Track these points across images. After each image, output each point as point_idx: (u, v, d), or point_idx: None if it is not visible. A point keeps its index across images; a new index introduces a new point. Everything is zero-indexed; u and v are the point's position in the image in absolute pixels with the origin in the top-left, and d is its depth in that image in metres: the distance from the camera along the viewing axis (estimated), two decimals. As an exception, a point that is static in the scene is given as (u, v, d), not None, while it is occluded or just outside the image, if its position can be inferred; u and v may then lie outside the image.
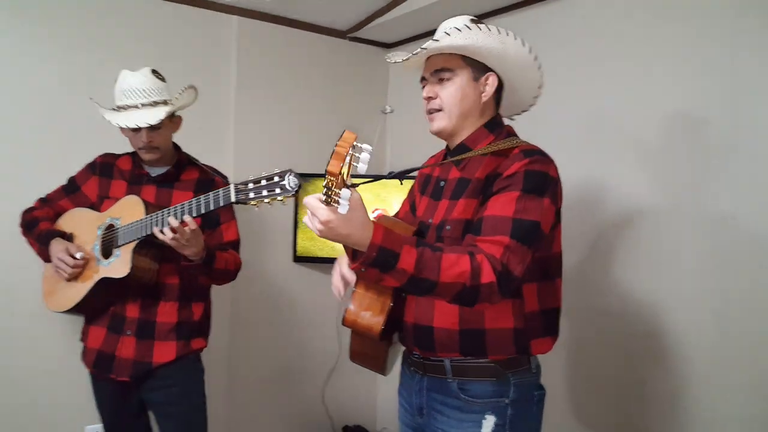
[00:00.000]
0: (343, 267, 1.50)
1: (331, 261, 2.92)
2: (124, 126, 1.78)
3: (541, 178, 1.31)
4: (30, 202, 2.01)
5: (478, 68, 1.39)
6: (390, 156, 3.21)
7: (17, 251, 2.06)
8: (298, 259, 2.90)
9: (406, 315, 1.44)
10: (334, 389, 3.06)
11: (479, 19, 1.44)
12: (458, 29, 1.34)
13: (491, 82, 1.40)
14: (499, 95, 1.45)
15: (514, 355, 1.38)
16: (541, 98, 1.53)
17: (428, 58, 1.43)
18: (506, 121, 1.50)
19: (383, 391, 3.20)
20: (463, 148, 1.43)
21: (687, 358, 1.89)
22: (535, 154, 1.33)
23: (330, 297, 2.95)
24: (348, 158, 1.03)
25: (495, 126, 1.44)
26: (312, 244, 2.88)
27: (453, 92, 1.40)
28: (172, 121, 1.90)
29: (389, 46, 3.19)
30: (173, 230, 1.63)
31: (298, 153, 2.93)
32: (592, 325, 2.17)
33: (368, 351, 1.48)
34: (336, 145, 1.03)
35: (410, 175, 1.58)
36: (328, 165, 1.02)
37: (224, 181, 1.97)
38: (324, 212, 1.08)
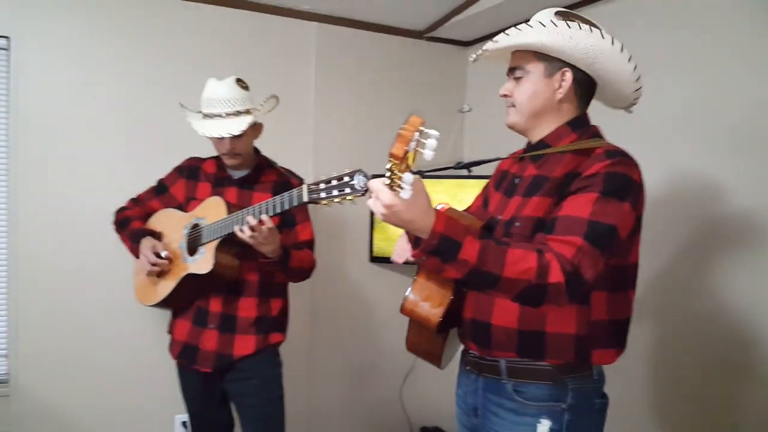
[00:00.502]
0: (404, 239, 1.47)
1: (407, 262, 2.94)
2: (209, 136, 1.88)
3: (623, 181, 1.24)
4: (122, 202, 2.16)
5: (553, 64, 1.34)
6: (468, 155, 3.17)
7: (112, 248, 2.22)
8: (375, 259, 2.93)
9: (465, 310, 1.42)
10: (412, 389, 3.06)
11: (571, 9, 1.38)
12: (518, 29, 1.31)
13: (567, 78, 1.34)
14: (585, 91, 1.38)
15: (574, 361, 1.32)
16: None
17: (512, 52, 1.40)
18: (593, 121, 1.43)
19: (462, 394, 3.17)
20: (543, 145, 1.39)
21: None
22: (619, 155, 1.27)
23: (407, 297, 2.99)
24: (413, 143, 1.01)
25: (579, 125, 1.38)
26: (388, 244, 2.90)
27: (523, 90, 1.37)
28: (254, 128, 1.98)
29: (467, 44, 3.16)
30: (252, 228, 1.70)
31: (376, 154, 2.93)
32: (681, 330, 2.04)
33: (424, 342, 1.47)
34: (400, 128, 1.01)
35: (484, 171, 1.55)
36: (391, 147, 1.00)
37: (299, 183, 2.03)
38: (387, 195, 1.07)
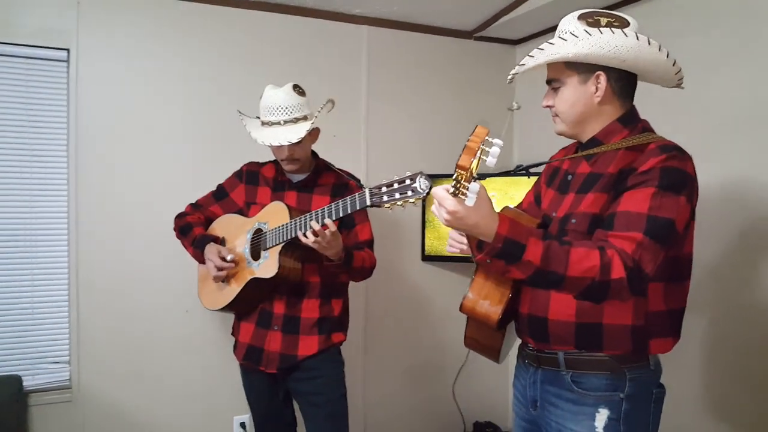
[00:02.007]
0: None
1: (458, 260, 2.98)
2: (268, 144, 1.93)
3: (678, 175, 1.26)
4: (182, 207, 2.20)
5: (586, 70, 1.35)
6: (518, 152, 3.17)
7: (172, 253, 2.30)
8: (427, 257, 2.97)
9: (521, 306, 1.45)
10: (465, 385, 3.10)
11: (612, 8, 1.38)
12: (548, 44, 1.32)
13: (602, 81, 1.34)
14: (625, 87, 1.38)
15: (631, 352, 1.34)
16: (682, 92, 1.45)
17: (548, 64, 1.41)
18: (642, 115, 1.44)
19: (514, 390, 3.19)
20: (595, 142, 1.41)
21: None
22: (673, 150, 1.28)
23: (459, 294, 2.99)
24: (479, 153, 1.06)
25: (629, 120, 1.39)
26: (440, 243, 2.93)
27: (563, 101, 1.40)
28: (311, 134, 2.01)
29: (516, 42, 3.16)
30: (315, 234, 1.74)
31: (427, 154, 3.00)
32: (733, 321, 2.04)
33: (484, 338, 1.50)
34: (468, 140, 1.06)
35: (537, 169, 1.57)
36: (459, 159, 1.05)
37: (358, 184, 2.07)
38: (451, 203, 1.12)
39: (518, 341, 1.57)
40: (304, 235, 1.79)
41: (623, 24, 1.32)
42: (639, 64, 1.34)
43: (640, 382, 1.35)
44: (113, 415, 2.46)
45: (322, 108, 2.01)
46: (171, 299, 2.52)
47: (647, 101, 1.46)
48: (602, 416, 1.33)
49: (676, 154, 1.27)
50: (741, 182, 2.03)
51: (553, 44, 1.32)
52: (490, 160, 1.07)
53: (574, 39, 1.30)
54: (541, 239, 1.18)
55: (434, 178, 2.79)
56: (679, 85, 1.43)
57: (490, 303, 1.41)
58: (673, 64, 1.35)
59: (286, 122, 1.95)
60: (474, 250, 1.25)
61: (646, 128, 1.40)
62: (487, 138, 1.06)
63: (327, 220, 1.75)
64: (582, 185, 1.40)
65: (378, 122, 2.91)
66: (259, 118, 2.02)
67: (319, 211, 1.79)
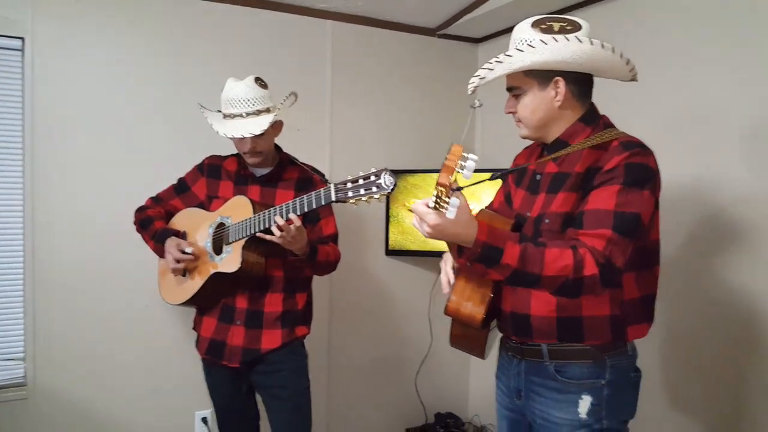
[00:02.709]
0: (448, 265, 1.56)
1: (421, 254, 3.03)
2: (231, 136, 1.92)
3: (641, 170, 1.32)
4: (141, 201, 2.17)
5: (544, 77, 1.40)
6: (480, 149, 3.23)
7: (131, 247, 2.26)
8: (390, 252, 3.00)
9: (503, 304, 1.50)
10: (427, 378, 3.15)
11: (569, 10, 1.43)
12: (504, 56, 1.36)
13: (561, 86, 1.40)
14: (583, 87, 1.44)
15: (611, 340, 1.41)
16: (639, 89, 1.52)
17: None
18: (602, 111, 1.50)
19: (474, 380, 3.27)
20: (559, 143, 1.46)
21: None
22: (635, 146, 1.34)
23: (422, 289, 3.08)
24: (456, 169, 1.13)
25: (591, 119, 1.45)
26: (403, 237, 2.97)
27: (524, 107, 1.45)
28: (274, 126, 2.01)
29: (478, 41, 3.21)
30: (280, 228, 1.75)
31: (391, 149, 3.03)
32: (691, 311, 2.14)
33: (469, 337, 1.56)
34: (445, 159, 1.13)
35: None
36: (438, 177, 1.13)
37: (322, 179, 2.08)
38: (433, 217, 1.19)
39: (499, 335, 1.62)
40: (268, 230, 1.79)
41: (576, 28, 1.37)
42: (594, 66, 1.39)
43: (619, 368, 1.42)
44: (71, 412, 2.41)
45: (284, 100, 2.00)
46: (130, 294, 2.48)
47: (602, 99, 1.51)
48: (585, 402, 1.40)
49: (638, 150, 1.34)
50: (691, 178, 2.12)
51: (511, 56, 1.36)
52: (466, 174, 1.13)
53: (531, 49, 1.34)
54: (517, 242, 1.25)
55: (399, 174, 2.85)
56: (634, 78, 1.49)
57: (473, 304, 1.47)
58: (627, 63, 1.40)
59: (248, 114, 1.94)
60: (455, 255, 1.31)
61: (608, 124, 1.46)
62: (462, 154, 1.13)
63: (292, 215, 1.76)
64: (551, 185, 1.46)
65: (342, 117, 2.92)
66: (220, 111, 2.01)
67: (284, 206, 1.79)
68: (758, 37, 1.92)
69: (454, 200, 1.14)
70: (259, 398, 2.14)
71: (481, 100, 3.16)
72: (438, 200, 1.15)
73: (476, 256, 1.24)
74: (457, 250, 1.28)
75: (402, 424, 3.13)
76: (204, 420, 2.61)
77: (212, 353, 2.02)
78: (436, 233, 1.21)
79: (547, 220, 1.41)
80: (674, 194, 2.07)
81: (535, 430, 1.52)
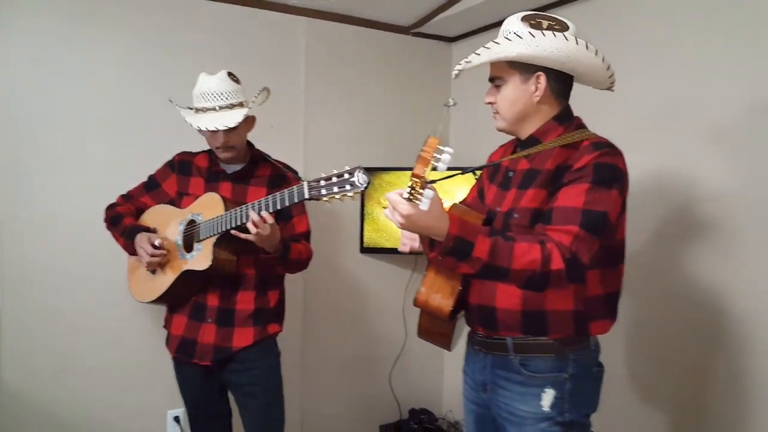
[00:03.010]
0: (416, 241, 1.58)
1: (394, 251, 3.01)
2: (204, 129, 1.91)
3: (610, 170, 1.35)
4: (111, 198, 2.14)
5: (527, 70, 1.43)
6: (454, 147, 3.22)
7: (101, 245, 2.23)
8: (365, 250, 3.01)
9: (470, 297, 1.52)
10: (401, 374, 3.16)
11: (545, 9, 1.46)
12: (492, 44, 1.39)
13: (541, 82, 1.42)
14: (562, 87, 1.47)
15: (573, 335, 1.44)
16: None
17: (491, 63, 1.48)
18: (576, 112, 1.53)
19: (448, 376, 3.29)
20: (532, 140, 1.49)
21: (750, 339, 1.91)
22: (605, 146, 1.37)
23: (396, 286, 3.09)
24: (431, 161, 1.14)
25: (564, 118, 1.48)
26: (378, 235, 2.97)
27: (504, 99, 1.47)
28: (247, 121, 2.00)
29: (452, 40, 3.23)
30: (255, 225, 1.73)
31: (365, 147, 3.03)
32: (658, 306, 2.19)
33: (436, 329, 1.59)
34: (421, 150, 1.14)
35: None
36: (414, 168, 1.13)
37: (295, 176, 2.07)
38: (406, 207, 1.19)
39: (467, 329, 1.64)
40: (240, 227, 1.78)
41: (563, 28, 1.40)
42: (577, 67, 1.42)
43: (581, 363, 1.45)
44: (39, 413, 2.37)
45: (258, 95, 1.99)
46: (99, 292, 2.44)
47: (573, 95, 1.53)
48: (548, 396, 1.43)
49: (608, 150, 1.37)
50: (659, 175, 2.17)
51: (498, 44, 1.39)
52: (441, 167, 1.15)
53: (519, 40, 1.37)
54: (488, 236, 1.26)
55: (373, 172, 2.86)
56: (610, 88, 1.53)
57: (441, 296, 1.49)
58: (607, 68, 1.44)
59: (221, 108, 1.92)
60: (426, 249, 1.32)
61: (580, 125, 1.49)
62: (438, 147, 1.14)
63: (264, 213, 1.75)
64: (522, 181, 1.48)
65: (316, 114, 2.91)
66: (191, 108, 1.98)
67: (256, 203, 1.78)
68: (725, 38, 1.97)
69: (429, 192, 1.15)
70: (231, 397, 2.12)
71: (455, 99, 3.20)
72: (412, 191, 1.16)
73: (448, 250, 1.24)
74: (429, 243, 1.29)
75: (376, 420, 3.14)
76: (176, 419, 2.59)
77: (183, 351, 2.00)
78: (408, 224, 1.22)
79: (516, 215, 1.44)
80: (642, 191, 2.12)
81: (500, 423, 1.54)
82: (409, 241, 1.59)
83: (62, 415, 2.41)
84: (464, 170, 1.62)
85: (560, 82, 1.46)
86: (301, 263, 2.01)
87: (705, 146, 2.03)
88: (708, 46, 2.02)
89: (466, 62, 1.43)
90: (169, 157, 2.15)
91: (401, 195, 1.20)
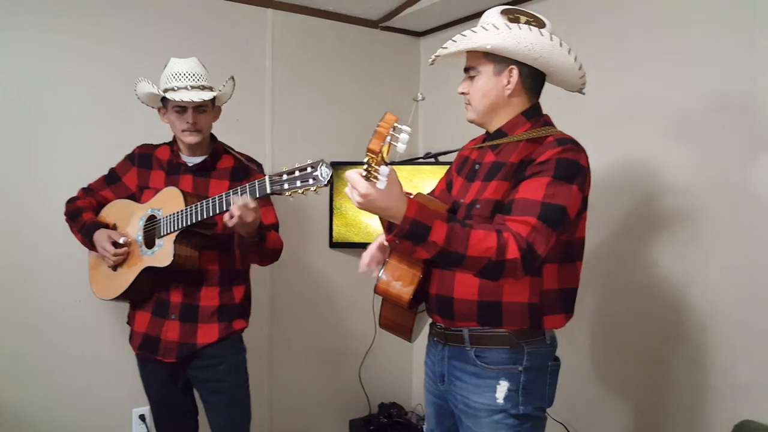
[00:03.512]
0: (374, 245, 1.59)
1: (364, 246, 3.00)
2: (179, 100, 1.85)
3: (571, 166, 1.36)
4: (71, 193, 2.10)
5: (501, 63, 1.44)
6: (423, 143, 3.25)
7: (60, 241, 2.18)
8: (335, 244, 2.99)
9: (430, 287, 1.53)
10: (370, 369, 3.16)
11: (512, 4, 1.48)
12: (471, 31, 1.41)
13: (514, 75, 1.44)
14: (534, 83, 1.48)
15: (528, 327, 1.45)
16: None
17: (467, 53, 1.49)
18: (545, 110, 1.54)
19: (417, 370, 3.30)
20: (500, 134, 1.50)
21: (708, 329, 1.96)
22: (568, 143, 1.39)
23: (365, 281, 3.04)
24: (388, 138, 1.12)
25: (533, 114, 1.49)
26: (347, 230, 2.96)
27: (477, 89, 1.49)
28: (214, 110, 1.99)
29: (420, 34, 3.22)
30: (234, 212, 1.69)
31: (333, 141, 3.01)
32: (620, 298, 2.23)
33: (397, 319, 1.58)
34: (378, 126, 1.12)
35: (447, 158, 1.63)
36: (369, 143, 1.11)
37: (258, 169, 2.05)
38: (364, 186, 1.18)
39: (429, 321, 1.65)
40: (201, 222, 1.76)
41: (540, 24, 1.42)
42: (549, 64, 1.43)
43: (537, 356, 1.46)
44: (1, 414, 2.30)
45: (226, 83, 1.98)
46: (61, 289, 2.38)
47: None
48: (503, 388, 1.44)
49: (571, 147, 1.38)
50: (620, 169, 2.20)
51: (475, 32, 1.40)
52: (400, 146, 1.13)
53: (495, 31, 1.38)
54: (445, 221, 1.25)
55: (340, 166, 2.84)
56: (581, 90, 1.55)
57: (402, 284, 1.49)
58: (579, 69, 1.46)
59: (192, 88, 1.90)
60: (385, 231, 1.32)
61: (547, 123, 1.50)
62: (396, 125, 1.12)
63: (246, 198, 1.69)
64: (487, 174, 1.49)
65: (283, 107, 2.88)
66: (162, 92, 1.91)
67: (216, 199, 1.76)
68: (687, 34, 2.01)
69: (384, 169, 1.13)
70: (197, 394, 2.10)
71: (423, 93, 3.21)
72: (369, 168, 1.14)
73: (404, 233, 1.23)
74: (387, 226, 1.28)
75: (346, 415, 3.13)
76: (141, 417, 2.54)
77: (146, 348, 1.97)
78: (366, 203, 1.20)
79: (478, 206, 1.45)
80: (604, 185, 2.15)
81: (456, 415, 1.55)
82: (366, 260, 1.58)
83: (23, 418, 2.34)
84: (426, 156, 1.62)
85: (532, 78, 1.47)
86: (275, 253, 1.99)
87: (666, 141, 2.07)
88: (670, 41, 2.06)
89: (443, 49, 1.43)
90: (130, 149, 2.11)
91: (360, 174, 1.18)
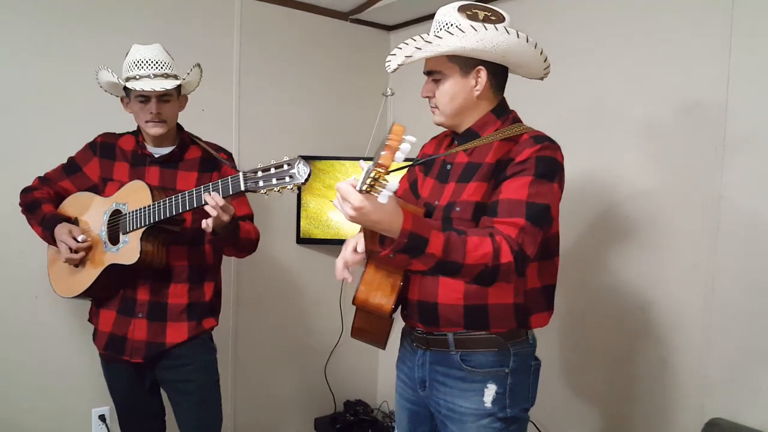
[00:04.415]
0: (347, 250, 1.51)
1: (332, 242, 2.99)
2: (140, 89, 1.77)
3: (551, 163, 1.36)
4: (23, 180, 1.98)
5: (467, 64, 1.40)
6: (392, 138, 3.22)
7: (18, 234, 2.07)
8: (302, 240, 2.94)
9: (410, 293, 1.49)
10: (336, 366, 3.13)
11: (482, 3, 1.44)
12: (434, 37, 1.34)
13: (482, 76, 1.41)
14: (500, 80, 1.46)
15: (515, 328, 1.44)
16: (544, 84, 1.57)
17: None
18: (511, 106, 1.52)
19: (383, 368, 3.29)
20: (470, 133, 1.47)
21: (676, 328, 2.00)
22: (545, 140, 1.38)
23: (333, 277, 3.01)
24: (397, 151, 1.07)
25: (502, 112, 1.48)
26: (315, 224, 2.92)
27: (443, 93, 1.44)
28: (179, 99, 1.90)
29: (390, 28, 3.19)
30: (214, 209, 1.62)
31: (300, 134, 2.96)
32: (587, 299, 2.27)
33: (373, 328, 1.53)
34: (388, 139, 1.06)
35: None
36: (379, 158, 1.05)
37: (228, 158, 1.98)
38: (357, 198, 1.12)
39: (399, 325, 1.60)
40: (171, 219, 1.69)
41: (499, 18, 1.38)
42: (514, 59, 1.41)
43: (521, 357, 1.46)
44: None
45: (191, 71, 1.89)
46: (17, 285, 2.26)
47: (508, 93, 1.54)
48: (490, 391, 1.42)
49: (548, 144, 1.37)
50: (589, 172, 2.23)
51: (441, 38, 1.34)
52: (399, 156, 1.08)
53: (461, 34, 1.33)
54: (441, 231, 1.22)
55: (307, 159, 2.77)
56: (543, 77, 1.53)
57: (382, 294, 1.44)
58: (544, 60, 1.44)
59: (156, 76, 1.81)
60: (373, 245, 1.26)
61: (516, 119, 1.49)
62: (404, 136, 1.08)
63: (218, 199, 1.63)
64: (462, 174, 1.46)
65: (250, 98, 2.80)
66: (123, 80, 1.82)
67: (186, 194, 1.69)
68: (654, 38, 2.05)
69: (393, 184, 1.08)
70: (163, 394, 2.02)
71: (393, 89, 3.18)
72: (374, 182, 1.09)
73: (402, 246, 1.19)
74: (379, 240, 1.24)
75: (311, 413, 3.10)
76: (102, 417, 2.44)
77: (112, 348, 1.88)
78: (359, 216, 1.15)
79: (458, 208, 1.42)
80: (574, 188, 2.16)
81: (439, 420, 1.52)
82: (340, 266, 1.49)
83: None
84: (413, 164, 1.59)
85: (498, 75, 1.45)
86: (250, 243, 1.91)
87: (633, 144, 2.11)
88: (636, 45, 2.10)
89: (407, 57, 1.36)
90: (88, 137, 2.00)
91: (353, 185, 1.13)
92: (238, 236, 1.82)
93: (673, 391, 2.01)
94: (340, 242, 2.94)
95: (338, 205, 1.17)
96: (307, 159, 2.75)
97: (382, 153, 1.05)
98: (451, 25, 1.35)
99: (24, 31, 2.25)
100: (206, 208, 1.64)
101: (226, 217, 1.66)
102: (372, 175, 1.08)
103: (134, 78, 1.80)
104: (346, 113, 3.10)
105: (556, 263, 1.51)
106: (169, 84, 1.79)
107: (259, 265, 2.81)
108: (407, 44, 1.36)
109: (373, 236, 1.28)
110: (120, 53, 1.89)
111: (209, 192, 1.65)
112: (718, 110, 1.87)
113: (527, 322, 1.46)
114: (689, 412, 1.96)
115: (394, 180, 1.07)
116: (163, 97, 1.82)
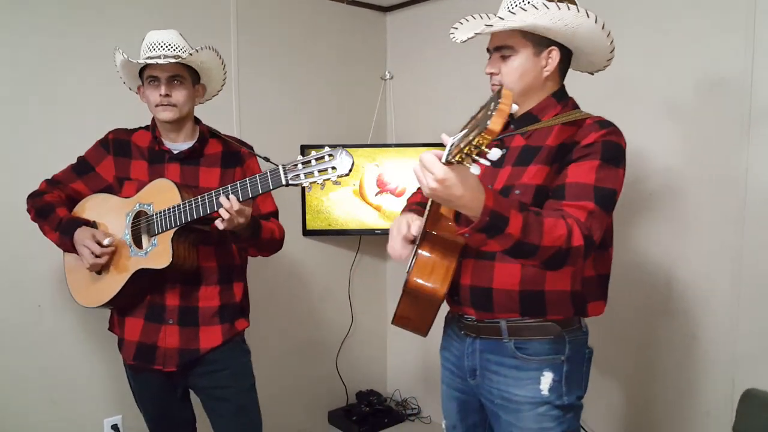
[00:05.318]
0: (399, 233, 1.45)
1: (338, 233, 2.92)
2: (143, 61, 1.68)
3: (617, 148, 1.34)
4: (26, 184, 1.86)
5: (540, 43, 1.37)
6: (393, 122, 3.16)
7: (20, 241, 1.98)
8: (308, 232, 2.87)
9: (462, 278, 1.45)
10: (347, 357, 3.09)
11: None
12: (524, 9, 1.30)
13: (554, 57, 1.38)
14: (565, 65, 1.44)
15: (571, 316, 1.42)
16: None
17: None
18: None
19: (392, 355, 3.26)
20: (530, 117, 1.43)
21: (703, 304, 2.03)
22: (610, 125, 1.36)
23: (340, 268, 2.99)
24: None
25: (562, 97, 1.45)
26: (320, 217, 2.85)
27: (513, 70, 1.39)
28: (195, 88, 1.80)
29: (387, 9, 3.11)
30: (228, 212, 1.55)
31: (300, 121, 2.87)
32: (612, 276, 2.26)
33: (419, 314, 1.47)
34: (499, 103, 0.95)
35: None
36: (489, 123, 0.93)
37: (251, 152, 1.89)
38: (441, 170, 1.05)
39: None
40: (204, 218, 1.60)
41: (571, 0, 1.34)
42: (583, 44, 1.38)
43: (576, 344, 1.44)
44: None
45: (199, 49, 1.72)
46: (20, 294, 2.13)
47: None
48: (547, 379, 1.40)
49: (614, 129, 1.35)
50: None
51: (514, 14, 1.29)
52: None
53: (535, 11, 1.28)
54: (519, 210, 1.16)
55: (308, 148, 2.69)
56: (604, 67, 1.50)
57: (436, 277, 1.39)
58: (611, 51, 1.42)
59: (166, 57, 1.69)
60: (450, 223, 1.20)
61: (575, 105, 1.46)
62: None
63: (226, 202, 1.55)
64: (519, 158, 1.42)
65: (250, 85, 2.69)
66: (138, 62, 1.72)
67: (221, 191, 1.59)
68: (676, 16, 2.05)
69: (496, 151, 0.96)
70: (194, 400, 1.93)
71: (391, 72, 3.11)
72: (477, 150, 0.97)
73: (483, 225, 1.11)
74: (455, 217, 1.18)
75: (323, 406, 3.05)
76: (115, 427, 2.34)
77: (142, 358, 1.77)
78: (441, 189, 1.06)
79: (517, 191, 1.38)
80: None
81: (491, 410, 1.49)
82: (398, 246, 1.44)
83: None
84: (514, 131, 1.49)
85: (565, 59, 1.42)
86: (274, 242, 1.84)
87: (655, 123, 2.12)
88: (659, 24, 2.09)
89: (487, 26, 1.31)
90: (95, 135, 1.87)
91: (438, 157, 1.05)
92: (260, 236, 1.74)
93: (703, 366, 2.05)
94: (347, 233, 2.90)
95: (420, 175, 1.09)
96: (309, 147, 2.70)
97: (492, 118, 0.93)
98: (526, 2, 1.32)
99: (24, 30, 2.13)
100: (220, 211, 1.56)
101: (241, 220, 1.58)
102: (474, 142, 0.96)
103: (146, 60, 1.70)
104: (345, 99, 3.02)
105: (611, 254, 1.49)
106: (173, 59, 1.67)
107: (266, 259, 2.71)
108: (474, 18, 1.33)
109: (437, 215, 1.20)
110: (112, 43, 1.80)
111: (247, 187, 1.57)
112: (742, 82, 1.89)
113: (584, 310, 1.44)
114: (719, 386, 2.00)
115: (496, 149, 0.97)
116: (174, 79, 1.71)
